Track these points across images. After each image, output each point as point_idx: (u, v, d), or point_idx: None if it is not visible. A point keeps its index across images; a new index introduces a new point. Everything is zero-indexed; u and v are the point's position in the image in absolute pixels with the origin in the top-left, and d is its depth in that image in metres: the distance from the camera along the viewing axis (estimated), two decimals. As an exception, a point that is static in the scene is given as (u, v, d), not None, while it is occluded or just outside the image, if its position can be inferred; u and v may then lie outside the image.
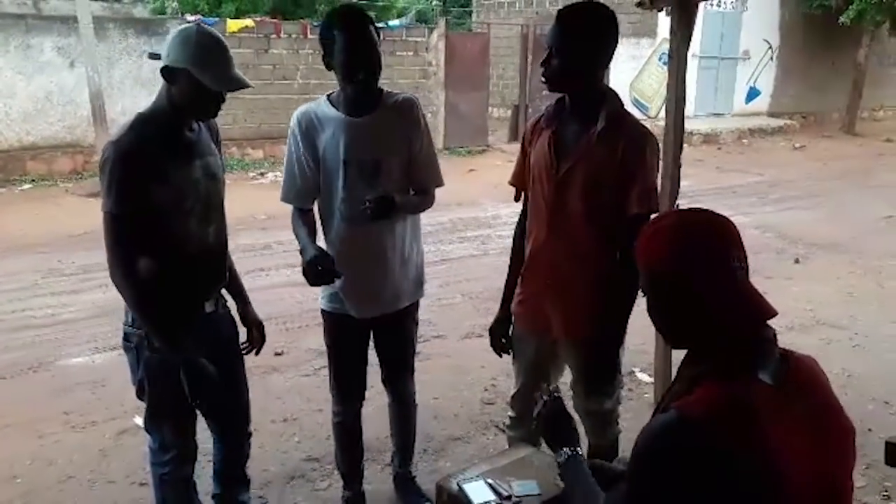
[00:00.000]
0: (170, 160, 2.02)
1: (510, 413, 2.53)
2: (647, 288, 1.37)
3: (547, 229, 2.20)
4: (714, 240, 1.29)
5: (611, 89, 2.16)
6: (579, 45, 2.02)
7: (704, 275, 1.27)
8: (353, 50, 2.18)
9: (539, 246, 2.25)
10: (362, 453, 2.75)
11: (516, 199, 2.40)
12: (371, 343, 2.60)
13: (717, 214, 1.35)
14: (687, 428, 1.18)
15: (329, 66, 2.25)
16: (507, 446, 2.43)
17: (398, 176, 2.35)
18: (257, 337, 2.47)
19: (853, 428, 1.32)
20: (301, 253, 2.29)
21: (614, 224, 2.11)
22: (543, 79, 2.12)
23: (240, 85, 2.02)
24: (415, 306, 2.60)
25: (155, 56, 2.06)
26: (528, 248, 2.30)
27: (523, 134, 2.34)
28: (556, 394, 1.74)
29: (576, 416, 1.83)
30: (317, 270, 2.20)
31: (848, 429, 1.31)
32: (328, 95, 2.36)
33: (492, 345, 2.48)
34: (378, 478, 2.98)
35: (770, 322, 1.31)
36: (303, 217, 2.40)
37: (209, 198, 2.15)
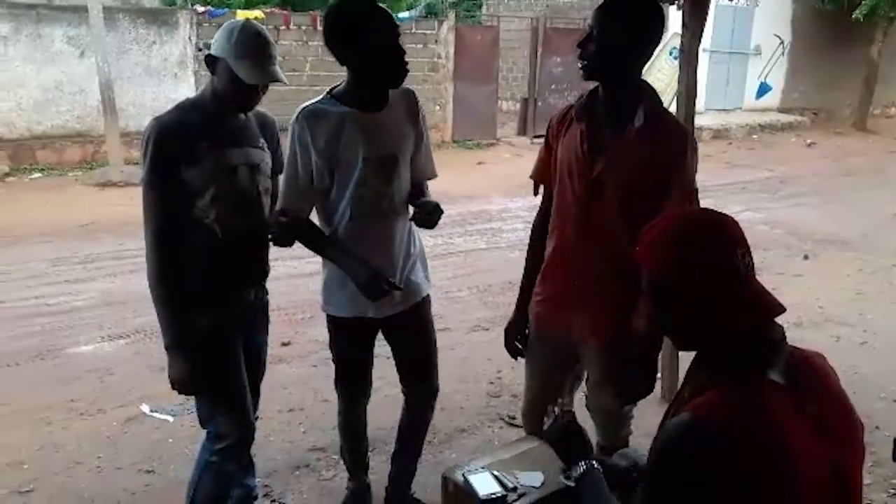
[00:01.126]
0: (204, 144, 2.07)
1: (517, 421, 2.48)
2: (651, 292, 1.36)
3: (576, 229, 2.08)
4: (716, 241, 1.28)
5: (648, 85, 2.04)
6: (622, 31, 1.91)
7: (708, 277, 1.26)
8: (391, 52, 2.10)
9: (566, 246, 2.13)
10: (367, 446, 2.72)
11: (535, 192, 2.29)
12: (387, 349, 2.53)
13: (718, 213, 1.34)
14: (702, 431, 1.18)
15: (346, 59, 2.13)
16: (512, 438, 2.42)
17: (405, 170, 2.30)
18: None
19: (862, 424, 1.31)
20: (348, 269, 2.22)
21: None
22: (580, 63, 2.00)
23: (272, 78, 2.07)
24: (428, 300, 2.51)
25: (206, 48, 2.16)
26: (550, 246, 2.19)
27: (548, 126, 2.21)
28: (566, 408, 1.69)
29: (585, 424, 1.77)
30: (380, 286, 2.17)
31: (858, 425, 1.31)
32: (330, 92, 2.22)
33: (507, 346, 2.38)
34: (383, 468, 2.98)
35: (779, 318, 1.30)
36: (311, 226, 2.29)
37: (247, 188, 2.17)
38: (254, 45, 2.03)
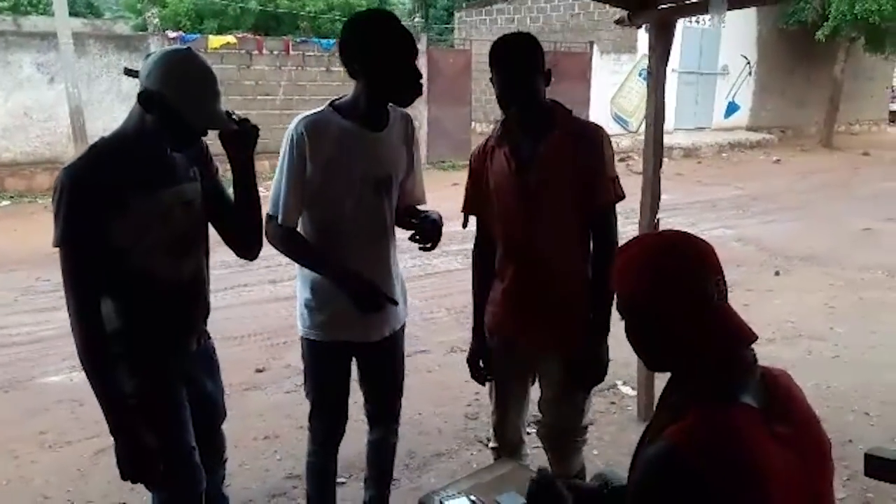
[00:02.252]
0: (131, 189, 1.80)
1: (493, 444, 2.49)
2: (624, 314, 1.35)
3: (523, 242, 2.21)
4: (690, 267, 1.28)
5: (557, 102, 2.24)
6: (514, 68, 2.14)
7: (682, 303, 1.26)
8: (410, 70, 2.08)
9: (516, 261, 2.24)
10: (335, 492, 2.57)
11: (464, 225, 2.40)
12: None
13: (694, 238, 1.33)
14: (679, 458, 1.18)
15: (359, 72, 2.08)
16: (491, 461, 2.41)
17: (397, 191, 2.28)
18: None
19: (830, 442, 1.32)
20: (342, 280, 2.15)
21: (585, 220, 2.19)
22: (503, 113, 2.21)
23: (223, 125, 1.87)
24: (404, 328, 2.48)
25: (132, 73, 1.91)
26: (500, 267, 2.30)
27: (470, 162, 2.36)
28: (543, 472, 1.67)
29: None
30: (376, 299, 2.14)
31: (826, 442, 1.31)
32: (333, 104, 2.16)
33: (473, 376, 2.47)
34: (358, 494, 2.95)
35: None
36: (300, 238, 2.21)
37: (183, 229, 1.94)
38: (204, 83, 1.82)
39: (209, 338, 2.18)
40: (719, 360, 1.27)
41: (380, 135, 2.18)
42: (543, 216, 2.17)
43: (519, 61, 2.15)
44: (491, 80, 2.18)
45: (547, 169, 2.14)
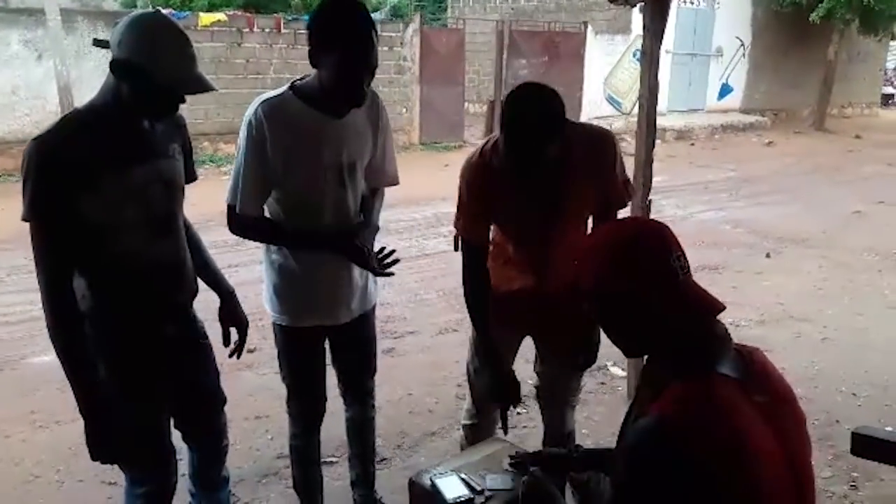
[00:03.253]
0: (105, 164, 1.72)
1: (467, 420, 2.47)
2: (592, 305, 1.38)
3: (542, 257, 2.14)
4: (650, 248, 1.31)
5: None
6: (529, 147, 1.87)
7: (647, 284, 1.29)
8: (363, 59, 1.95)
9: (529, 272, 2.18)
10: (321, 474, 2.59)
11: (456, 248, 2.22)
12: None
13: (650, 220, 1.38)
14: (666, 431, 1.20)
15: (316, 64, 2.00)
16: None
17: (362, 174, 2.22)
18: (237, 337, 2.24)
19: (804, 416, 1.35)
20: (326, 245, 2.13)
21: (599, 219, 2.15)
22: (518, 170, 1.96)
23: (203, 87, 1.77)
24: (374, 309, 2.46)
25: (101, 43, 1.82)
26: (505, 275, 2.22)
27: (467, 184, 2.12)
28: (535, 472, 1.72)
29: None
30: (364, 249, 2.12)
31: (802, 416, 1.34)
32: (292, 87, 2.08)
33: (506, 397, 2.21)
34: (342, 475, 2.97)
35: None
36: (264, 220, 2.15)
37: (160, 207, 1.86)
38: (178, 46, 1.74)
39: (195, 321, 2.12)
40: (692, 332, 1.30)
41: (343, 121, 2.09)
42: (562, 227, 2.11)
43: (534, 141, 1.86)
44: (499, 141, 1.95)
45: (566, 185, 2.04)
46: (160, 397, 2.01)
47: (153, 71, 1.69)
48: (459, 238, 2.21)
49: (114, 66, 1.71)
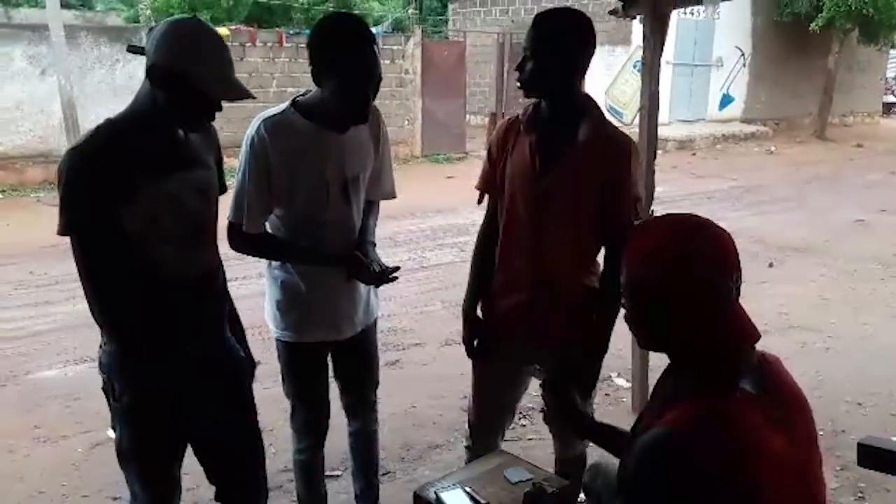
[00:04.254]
0: (141, 172, 1.67)
1: (466, 443, 2.45)
2: (632, 296, 1.32)
3: (531, 240, 2.11)
4: (717, 260, 1.25)
5: (589, 97, 2.10)
6: (556, 51, 1.95)
7: (700, 295, 1.23)
8: (367, 75, 1.96)
9: (519, 257, 2.15)
10: (325, 487, 2.58)
11: (479, 202, 2.29)
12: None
13: (717, 227, 1.29)
14: (679, 444, 1.18)
15: (320, 82, 2.00)
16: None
17: (364, 188, 2.23)
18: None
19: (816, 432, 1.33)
20: (330, 263, 2.14)
21: (598, 234, 2.08)
22: (518, 83, 2.05)
23: (243, 94, 1.73)
24: (377, 322, 2.46)
25: (136, 49, 1.77)
26: (504, 257, 2.21)
27: (494, 136, 2.20)
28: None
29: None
30: (373, 270, 2.11)
31: (814, 427, 1.33)
32: (294, 103, 2.08)
33: (469, 354, 2.33)
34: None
35: None
36: (268, 237, 2.14)
37: (196, 218, 1.81)
38: (219, 51, 1.70)
39: (228, 342, 2.00)
40: (724, 353, 1.27)
41: (345, 136, 2.10)
42: (556, 221, 2.07)
43: (556, 38, 1.94)
44: (524, 57, 1.99)
45: (569, 175, 2.02)
46: (174, 439, 1.90)
47: (193, 77, 1.64)
48: (480, 192, 2.27)
49: (152, 72, 1.66)
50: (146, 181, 1.68)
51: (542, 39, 1.97)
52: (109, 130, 1.68)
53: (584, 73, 2.03)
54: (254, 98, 1.80)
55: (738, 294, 1.28)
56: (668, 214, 1.35)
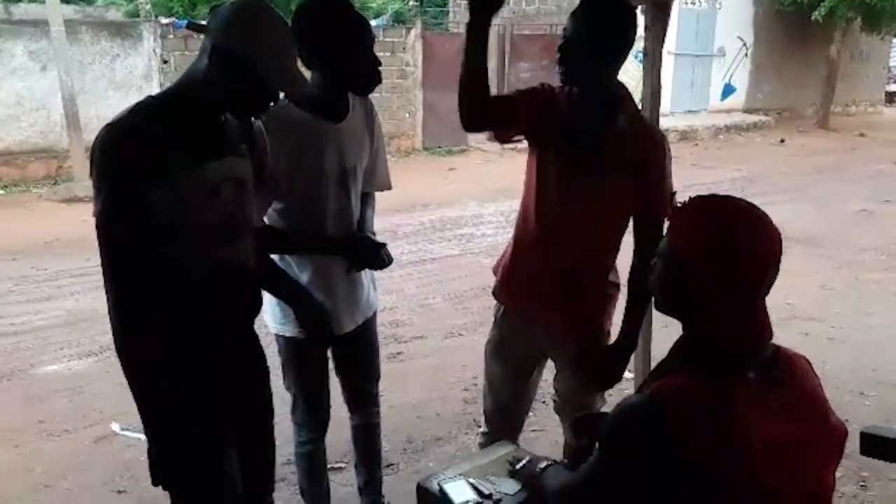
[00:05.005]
0: (178, 156, 1.55)
1: (483, 429, 2.44)
2: (669, 267, 1.30)
3: (559, 229, 2.07)
4: (765, 252, 1.25)
5: (624, 87, 2.05)
6: (597, 36, 1.91)
7: (737, 287, 1.23)
8: (367, 58, 2.00)
9: (543, 243, 2.11)
10: (328, 479, 2.59)
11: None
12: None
13: (772, 225, 1.28)
14: (655, 410, 1.19)
15: (316, 63, 2.00)
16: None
17: (361, 179, 2.23)
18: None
19: (845, 429, 1.31)
20: (333, 250, 2.16)
21: (622, 228, 2.07)
22: (558, 69, 1.96)
23: (303, 86, 1.70)
24: (376, 314, 2.46)
25: (197, 27, 1.66)
26: (527, 245, 2.16)
27: (535, 88, 2.06)
28: (549, 462, 1.70)
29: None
30: (376, 250, 2.15)
31: (836, 428, 1.30)
32: (288, 95, 2.04)
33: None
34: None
35: None
36: (273, 232, 2.13)
37: (233, 209, 1.69)
38: (286, 41, 1.62)
39: (258, 342, 1.93)
40: (736, 345, 1.26)
41: (342, 125, 2.10)
42: (585, 211, 2.02)
43: (596, 29, 1.88)
44: (565, 45, 1.92)
45: (604, 166, 1.97)
46: (222, 424, 1.77)
47: (257, 64, 1.55)
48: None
49: (213, 53, 1.55)
50: (183, 165, 1.56)
51: (584, 25, 1.92)
52: (150, 108, 1.57)
53: (623, 61, 1.98)
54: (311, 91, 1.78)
55: (768, 292, 1.28)
56: (728, 196, 1.33)
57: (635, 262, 2.08)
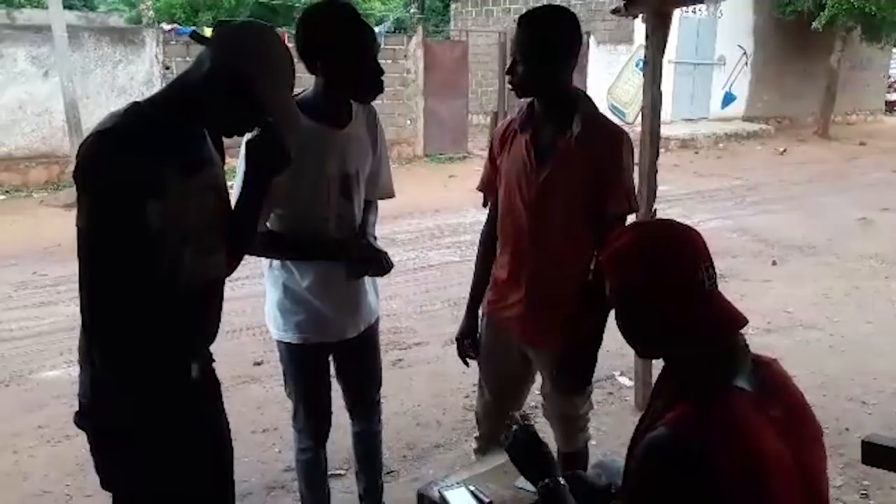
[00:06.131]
0: (170, 165, 1.51)
1: (476, 433, 2.49)
2: (615, 303, 1.36)
3: (527, 235, 2.15)
4: (682, 256, 1.28)
5: (582, 91, 2.14)
6: (542, 52, 2.00)
7: (674, 290, 1.26)
8: (371, 67, 2.01)
9: (518, 252, 2.19)
10: (328, 486, 2.57)
11: (484, 204, 2.35)
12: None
13: (683, 226, 1.34)
14: (678, 445, 1.19)
15: (321, 67, 2.01)
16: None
17: (364, 185, 2.24)
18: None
19: (821, 428, 1.33)
20: (335, 254, 2.15)
21: (593, 226, 2.09)
22: (510, 86, 2.12)
23: (297, 120, 1.68)
24: (378, 321, 2.46)
25: (201, 39, 1.62)
26: (501, 254, 2.25)
27: (491, 139, 2.28)
28: (525, 421, 1.66)
29: (548, 432, 1.78)
30: (375, 257, 2.16)
31: (818, 428, 1.33)
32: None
33: (459, 354, 2.46)
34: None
35: (749, 324, 1.31)
36: (275, 236, 2.13)
37: (212, 220, 1.66)
38: (289, 71, 1.60)
39: (212, 362, 1.84)
40: (712, 346, 1.27)
41: (344, 132, 2.11)
42: (550, 215, 2.10)
43: (543, 38, 1.99)
44: (513, 60, 2.05)
45: (564, 168, 2.06)
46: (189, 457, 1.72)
47: (258, 88, 1.53)
48: (484, 195, 2.33)
49: (214, 68, 1.51)
50: (174, 175, 1.52)
51: (528, 42, 2.01)
52: (138, 115, 1.52)
53: (574, 67, 2.07)
54: (301, 124, 1.74)
55: (715, 284, 1.30)
56: (635, 222, 1.40)
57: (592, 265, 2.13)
